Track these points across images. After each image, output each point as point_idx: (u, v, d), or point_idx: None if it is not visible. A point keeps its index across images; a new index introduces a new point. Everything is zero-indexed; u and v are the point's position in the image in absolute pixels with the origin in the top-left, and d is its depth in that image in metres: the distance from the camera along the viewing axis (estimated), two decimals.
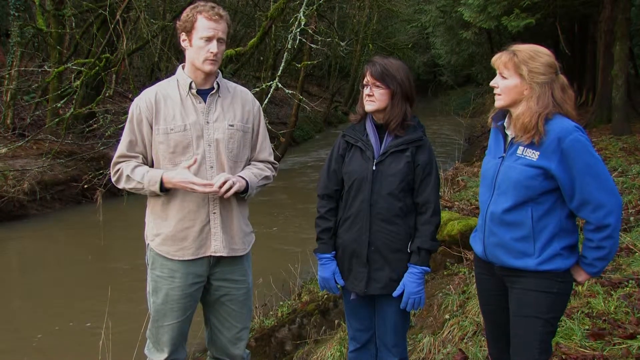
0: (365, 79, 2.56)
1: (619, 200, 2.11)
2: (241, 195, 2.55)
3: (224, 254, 2.55)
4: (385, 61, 2.57)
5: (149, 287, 2.61)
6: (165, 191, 2.48)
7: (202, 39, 2.43)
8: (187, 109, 2.51)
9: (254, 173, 2.61)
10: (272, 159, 2.74)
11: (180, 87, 2.54)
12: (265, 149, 2.72)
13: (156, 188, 2.45)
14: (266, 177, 2.67)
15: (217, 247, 2.53)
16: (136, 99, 2.56)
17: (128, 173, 2.50)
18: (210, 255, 2.54)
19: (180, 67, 2.60)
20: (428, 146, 2.59)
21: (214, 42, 2.44)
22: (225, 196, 2.45)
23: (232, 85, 2.69)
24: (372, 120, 2.62)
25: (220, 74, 2.62)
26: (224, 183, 2.42)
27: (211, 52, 2.44)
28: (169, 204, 2.52)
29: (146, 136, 2.52)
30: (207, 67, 2.47)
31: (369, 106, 2.56)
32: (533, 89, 2.13)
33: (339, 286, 2.70)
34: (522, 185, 2.15)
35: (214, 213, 2.52)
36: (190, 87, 2.52)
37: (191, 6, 2.50)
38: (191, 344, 4.21)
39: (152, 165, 2.57)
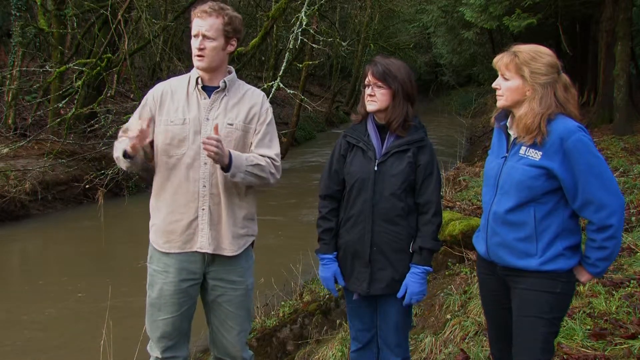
0: (367, 79, 2.56)
1: (621, 200, 2.11)
2: (225, 173, 2.43)
3: (209, 251, 2.53)
4: (387, 61, 2.56)
5: (147, 281, 2.63)
6: (130, 158, 2.44)
7: (192, 36, 2.52)
8: (191, 103, 2.56)
9: (245, 156, 2.49)
10: (272, 155, 2.59)
11: (190, 82, 2.60)
12: (264, 145, 2.59)
13: (119, 153, 2.48)
14: (259, 166, 2.50)
15: (202, 243, 2.53)
16: (148, 92, 2.66)
17: (115, 144, 2.58)
18: (205, 253, 2.54)
19: None
20: (429, 147, 2.59)
21: (199, 39, 2.49)
22: (207, 153, 2.35)
23: (245, 86, 2.69)
24: (374, 120, 2.62)
25: (232, 73, 2.64)
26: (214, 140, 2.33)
27: (195, 48, 2.50)
28: (162, 196, 2.57)
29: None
30: (195, 63, 2.53)
31: (371, 106, 2.55)
32: (535, 90, 2.13)
33: (338, 288, 2.69)
34: (524, 186, 2.15)
35: (203, 209, 2.52)
36: (197, 83, 2.57)
37: None
38: (194, 345, 4.21)
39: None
